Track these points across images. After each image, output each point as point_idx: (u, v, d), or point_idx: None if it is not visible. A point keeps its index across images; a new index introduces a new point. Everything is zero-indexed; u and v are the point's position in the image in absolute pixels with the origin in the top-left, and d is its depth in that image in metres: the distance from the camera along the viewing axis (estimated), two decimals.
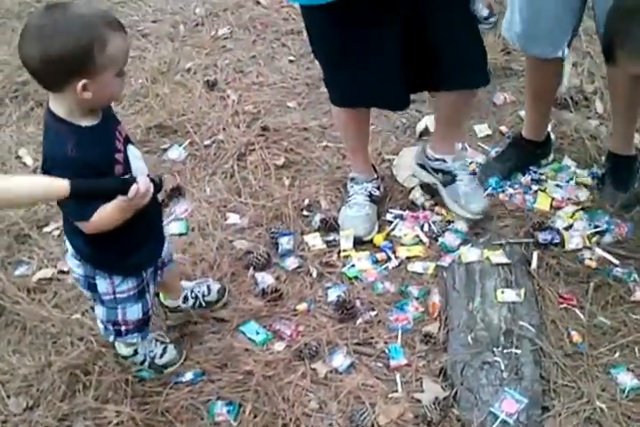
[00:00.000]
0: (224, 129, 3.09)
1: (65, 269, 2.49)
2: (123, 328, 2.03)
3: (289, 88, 3.31)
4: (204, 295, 2.32)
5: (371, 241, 2.55)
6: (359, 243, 2.54)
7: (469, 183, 2.61)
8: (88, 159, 1.66)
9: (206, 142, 3.04)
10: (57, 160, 1.65)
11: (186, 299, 2.30)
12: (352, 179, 2.69)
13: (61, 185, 1.55)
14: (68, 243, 1.92)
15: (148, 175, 1.72)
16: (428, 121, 2.99)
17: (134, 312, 2.00)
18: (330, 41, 2.27)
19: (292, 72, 3.38)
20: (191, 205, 2.76)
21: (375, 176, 2.70)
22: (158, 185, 1.73)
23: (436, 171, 2.64)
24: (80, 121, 1.69)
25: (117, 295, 1.95)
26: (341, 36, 2.21)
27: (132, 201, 1.66)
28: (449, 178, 2.62)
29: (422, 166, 2.70)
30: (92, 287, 1.94)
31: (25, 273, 2.53)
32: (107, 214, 1.68)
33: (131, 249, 1.90)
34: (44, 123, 1.75)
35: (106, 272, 1.91)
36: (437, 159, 2.63)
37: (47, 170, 1.67)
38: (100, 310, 2.01)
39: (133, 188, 1.63)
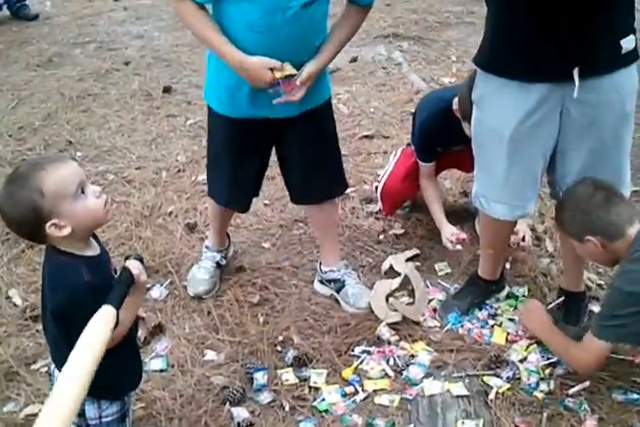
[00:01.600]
0: None
1: None
2: None
3: (264, 230, 3.57)
4: None
5: (340, 375, 2.72)
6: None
7: (355, 285, 3.09)
8: (99, 284, 1.84)
9: (186, 282, 3.24)
10: (75, 285, 1.82)
11: None
12: (206, 246, 3.25)
13: (110, 314, 1.73)
14: (57, 373, 2.04)
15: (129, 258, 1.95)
16: (392, 260, 3.24)
17: None
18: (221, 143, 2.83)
19: (266, 215, 3.65)
20: (171, 343, 2.92)
21: (226, 246, 3.27)
22: (140, 259, 1.96)
23: (329, 281, 3.10)
24: (85, 252, 1.88)
25: (103, 419, 2.06)
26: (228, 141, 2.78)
27: (141, 282, 1.91)
28: (339, 285, 3.09)
29: (321, 282, 3.17)
30: (80, 414, 2.02)
31: (13, 410, 2.63)
32: (125, 316, 1.87)
33: (120, 374, 2.05)
34: (46, 261, 1.92)
35: (95, 397, 2.02)
36: (327, 271, 3.12)
37: (61, 302, 1.83)
38: None
39: (133, 267, 1.88)
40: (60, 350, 2.01)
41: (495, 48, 2.48)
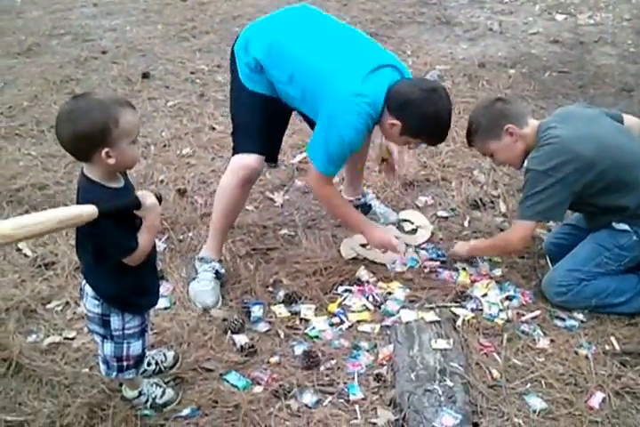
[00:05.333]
0: (194, 227, 3.67)
1: (70, 335, 2.96)
2: (124, 364, 2.45)
3: None
4: (162, 361, 2.78)
5: (327, 309, 3.11)
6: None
7: (380, 206, 3.73)
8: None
9: (180, 237, 3.61)
10: None
11: (149, 364, 2.73)
12: (201, 258, 3.29)
13: (89, 208, 2.06)
14: (88, 287, 2.35)
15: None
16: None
17: (137, 348, 2.44)
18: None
19: None
20: (172, 286, 3.27)
21: (221, 258, 3.33)
22: (159, 197, 2.27)
23: (355, 207, 3.60)
24: (109, 184, 2.20)
25: (126, 331, 2.39)
26: None
27: (148, 212, 2.19)
28: (366, 208, 3.69)
29: None
30: (106, 324, 2.37)
31: (35, 340, 2.94)
32: (143, 238, 2.21)
33: (142, 291, 2.40)
34: (79, 187, 2.23)
35: (120, 310, 2.36)
36: (353, 200, 3.69)
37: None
38: (108, 347, 2.41)
39: (140, 194, 2.19)
40: (91, 269, 2.36)
41: None
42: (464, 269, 3.34)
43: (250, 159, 3.12)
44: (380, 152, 3.39)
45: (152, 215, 2.24)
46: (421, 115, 2.85)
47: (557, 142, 2.87)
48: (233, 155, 3.23)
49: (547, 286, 3.11)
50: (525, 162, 3.00)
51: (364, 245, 3.50)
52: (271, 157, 3.27)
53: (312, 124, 3.29)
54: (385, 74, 2.92)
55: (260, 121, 3.14)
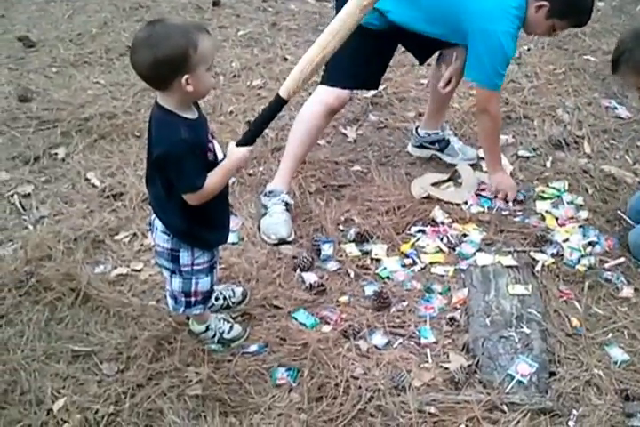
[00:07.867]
0: (264, 162, 3.57)
1: (138, 267, 2.92)
2: (192, 299, 2.40)
3: None
4: (230, 297, 2.72)
5: (399, 249, 3.00)
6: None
7: (458, 141, 3.60)
8: (196, 140, 2.08)
9: (250, 171, 3.51)
10: (173, 141, 2.05)
11: (217, 299, 2.69)
12: (270, 192, 3.19)
13: None
14: (158, 222, 2.28)
15: None
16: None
17: (205, 284, 2.38)
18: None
19: None
20: (240, 220, 3.20)
21: (289, 189, 3.25)
22: None
23: (432, 142, 3.57)
24: (185, 114, 2.11)
25: (194, 267, 2.33)
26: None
27: (239, 154, 2.18)
28: (444, 144, 3.57)
29: (420, 146, 3.62)
30: (175, 259, 2.31)
31: (103, 271, 2.91)
32: (215, 180, 2.12)
33: (212, 227, 2.31)
34: (153, 117, 2.13)
35: (189, 245, 2.29)
36: (431, 134, 3.56)
37: (161, 153, 2.07)
38: (176, 282, 2.36)
39: None
40: (162, 204, 2.27)
41: None
42: (547, 212, 3.18)
43: (340, 91, 3.11)
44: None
45: (238, 159, 2.19)
46: None
47: None
48: (321, 83, 3.15)
49: (637, 253, 2.94)
50: None
51: (435, 184, 3.37)
52: (370, 86, 3.39)
53: (420, 53, 3.30)
54: None
55: (359, 56, 3.00)
